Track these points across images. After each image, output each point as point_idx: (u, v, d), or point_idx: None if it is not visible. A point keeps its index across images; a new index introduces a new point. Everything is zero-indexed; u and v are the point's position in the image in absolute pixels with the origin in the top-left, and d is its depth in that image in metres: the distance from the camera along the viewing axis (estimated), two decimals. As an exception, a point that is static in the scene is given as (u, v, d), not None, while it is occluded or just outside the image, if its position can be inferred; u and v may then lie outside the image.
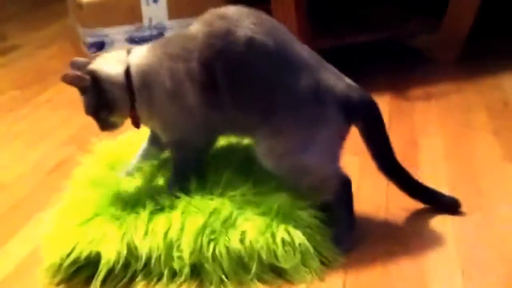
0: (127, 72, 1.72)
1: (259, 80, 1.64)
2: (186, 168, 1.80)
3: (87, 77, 1.71)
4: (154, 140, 1.94)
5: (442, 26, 3.06)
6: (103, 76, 1.72)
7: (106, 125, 1.80)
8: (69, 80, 1.72)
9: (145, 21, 3.17)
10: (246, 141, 1.96)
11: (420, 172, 2.01)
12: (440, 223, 1.84)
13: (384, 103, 2.64)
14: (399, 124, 2.46)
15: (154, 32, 3.18)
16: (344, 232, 1.75)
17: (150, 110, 1.75)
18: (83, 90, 1.74)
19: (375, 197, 1.98)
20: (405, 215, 1.88)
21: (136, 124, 1.82)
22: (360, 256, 1.71)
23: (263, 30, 1.64)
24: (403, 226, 1.84)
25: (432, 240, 1.76)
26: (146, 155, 1.96)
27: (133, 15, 3.14)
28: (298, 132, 1.65)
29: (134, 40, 3.17)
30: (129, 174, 1.91)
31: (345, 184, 1.75)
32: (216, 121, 1.72)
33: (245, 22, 1.64)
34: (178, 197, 1.75)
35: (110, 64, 1.74)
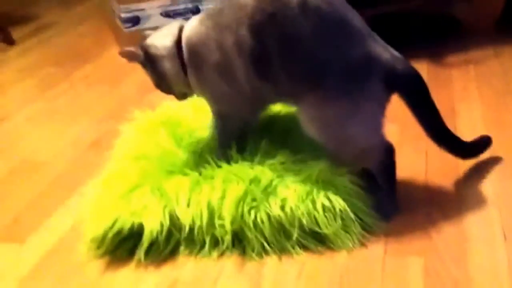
0: (178, 43, 1.74)
1: (311, 45, 1.60)
2: (229, 138, 1.82)
3: (140, 52, 1.75)
4: None
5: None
6: (153, 49, 1.76)
7: (178, 95, 1.86)
8: (123, 55, 1.77)
9: (181, -3, 3.16)
10: (285, 110, 1.97)
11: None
12: (480, 187, 1.83)
13: (422, 71, 2.55)
14: (437, 91, 2.38)
15: (189, 5, 3.17)
16: (386, 199, 1.75)
17: (199, 80, 1.76)
18: (143, 65, 1.79)
19: (414, 163, 1.98)
20: (444, 180, 1.88)
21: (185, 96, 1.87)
22: (401, 222, 1.71)
23: None
24: (443, 191, 1.83)
25: (473, 205, 1.76)
26: None
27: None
28: (344, 101, 1.62)
29: (169, 15, 3.16)
30: None
31: (388, 151, 1.74)
32: (263, 90, 1.70)
33: None
34: (219, 166, 1.76)
35: (162, 37, 1.77)
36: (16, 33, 3.82)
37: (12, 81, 3.13)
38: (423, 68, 2.63)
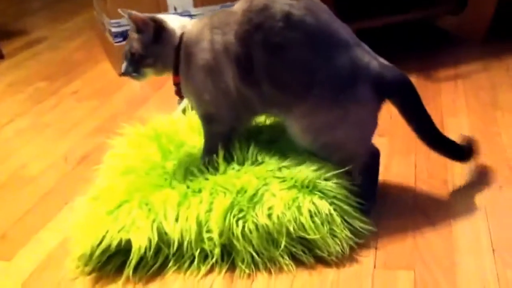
0: (181, 37, 1.78)
1: (296, 57, 1.63)
2: (215, 143, 1.83)
3: (152, 23, 1.77)
4: None
5: (468, 6, 3.02)
6: (169, 28, 1.79)
7: (134, 71, 1.83)
8: (133, 19, 1.77)
9: (170, 10, 3.16)
10: (271, 121, 1.98)
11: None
12: (468, 199, 1.85)
13: (411, 84, 2.63)
14: (426, 105, 2.39)
15: (179, 20, 3.19)
16: (367, 194, 1.77)
17: (187, 79, 1.79)
18: (139, 29, 1.79)
19: (403, 176, 1.99)
20: (433, 192, 1.89)
21: (179, 92, 1.86)
22: (390, 234, 1.72)
23: (301, 6, 1.63)
24: (432, 204, 1.84)
25: (461, 216, 1.77)
26: None
27: (158, 4, 3.14)
28: (334, 109, 1.65)
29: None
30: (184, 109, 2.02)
31: (374, 155, 1.80)
32: (249, 98, 1.72)
33: None
34: (207, 179, 1.77)
35: (175, 24, 1.81)
36: (6, 48, 3.81)
37: (2, 95, 3.11)
38: (412, 81, 2.63)
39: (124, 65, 1.83)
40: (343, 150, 1.74)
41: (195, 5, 3.19)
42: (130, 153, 1.97)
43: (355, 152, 1.75)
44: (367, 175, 1.80)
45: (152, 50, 1.79)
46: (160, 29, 1.78)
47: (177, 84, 1.84)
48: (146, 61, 1.80)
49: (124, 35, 3.13)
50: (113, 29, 3.12)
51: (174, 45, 1.78)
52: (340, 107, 1.65)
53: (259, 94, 1.70)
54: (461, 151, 1.88)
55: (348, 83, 1.64)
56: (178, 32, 1.79)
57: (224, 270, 1.64)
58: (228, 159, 1.82)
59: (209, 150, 1.84)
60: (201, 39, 1.74)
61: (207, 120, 1.83)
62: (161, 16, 1.81)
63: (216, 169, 1.80)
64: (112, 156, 2.01)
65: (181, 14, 3.13)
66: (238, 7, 1.71)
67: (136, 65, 1.81)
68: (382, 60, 1.70)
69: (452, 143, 1.84)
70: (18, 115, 2.82)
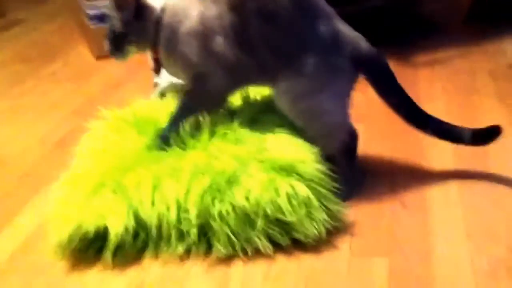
0: (162, 11, 1.79)
1: (287, 24, 1.69)
2: (206, 100, 1.85)
3: (132, 0, 1.77)
4: None
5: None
6: (148, 5, 1.79)
7: (117, 49, 1.83)
8: None
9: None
10: (253, 98, 1.99)
11: (424, 138, 2.02)
12: (444, 186, 1.86)
13: (389, 70, 2.64)
14: None
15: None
16: (345, 180, 1.78)
17: (170, 49, 1.79)
18: (120, 7, 1.79)
19: (380, 162, 2.00)
20: (409, 179, 1.90)
21: (158, 67, 1.87)
22: (366, 221, 1.73)
23: None
24: (408, 191, 1.85)
25: (437, 203, 1.79)
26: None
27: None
28: (317, 75, 1.71)
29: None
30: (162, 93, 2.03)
31: (352, 135, 1.84)
32: (243, 64, 1.75)
33: None
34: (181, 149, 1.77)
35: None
36: (-18, 30, 3.78)
37: (-22, 78, 3.09)
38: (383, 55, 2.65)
39: (107, 45, 1.83)
40: (323, 118, 1.77)
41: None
42: (107, 136, 1.94)
43: (333, 124, 1.79)
44: (345, 156, 1.82)
45: (133, 27, 1.79)
46: (140, 5, 1.78)
47: (155, 59, 1.85)
48: (128, 38, 1.80)
49: (100, 18, 3.11)
50: (90, 12, 3.11)
51: (156, 20, 1.78)
52: (322, 74, 1.71)
53: (254, 60, 1.73)
54: (438, 126, 1.85)
55: (331, 51, 1.71)
56: (158, 7, 1.79)
57: (201, 255, 1.64)
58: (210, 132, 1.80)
59: (188, 108, 1.84)
60: (189, 12, 1.76)
61: (199, 79, 1.81)
62: None
63: (197, 139, 1.79)
64: (88, 139, 1.98)
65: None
66: None
67: (118, 43, 1.81)
68: (356, 33, 1.77)
69: (429, 116, 1.84)
70: (-5, 97, 2.81)
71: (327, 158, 1.77)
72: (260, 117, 1.89)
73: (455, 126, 1.85)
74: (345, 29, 1.75)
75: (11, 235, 1.79)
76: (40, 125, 2.49)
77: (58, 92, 2.81)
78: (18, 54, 3.39)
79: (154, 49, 1.82)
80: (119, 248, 1.64)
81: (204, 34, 1.74)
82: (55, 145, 2.31)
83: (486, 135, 1.84)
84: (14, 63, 3.25)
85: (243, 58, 1.74)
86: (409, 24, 3.24)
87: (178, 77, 1.90)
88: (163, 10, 1.79)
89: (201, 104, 1.85)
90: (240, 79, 1.84)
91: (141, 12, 1.78)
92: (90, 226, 1.63)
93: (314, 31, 1.70)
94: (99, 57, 3.14)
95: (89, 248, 1.66)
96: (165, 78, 2.20)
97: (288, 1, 1.69)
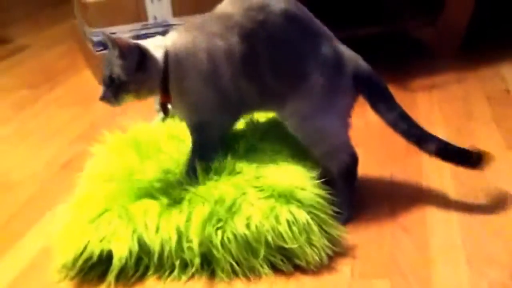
0: (166, 57, 1.78)
1: (294, 48, 1.75)
2: (207, 150, 1.84)
3: (137, 50, 1.74)
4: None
5: (442, 17, 3.07)
6: (151, 55, 1.76)
7: (114, 96, 1.79)
8: (118, 43, 1.73)
9: (150, 19, 3.21)
10: (249, 128, 2.02)
11: (423, 162, 2.05)
12: (444, 210, 1.87)
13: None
14: None
15: (159, 30, 3.22)
16: (344, 204, 1.83)
17: (181, 92, 1.80)
18: (123, 55, 1.74)
19: (379, 186, 2.03)
20: (409, 203, 1.91)
21: (165, 111, 1.88)
22: (367, 244, 1.75)
23: (292, 3, 1.78)
24: (408, 214, 1.87)
25: (437, 227, 1.80)
26: None
27: (138, 13, 3.17)
28: (323, 96, 1.76)
29: (140, 38, 3.19)
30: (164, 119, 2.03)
31: (353, 158, 1.86)
32: (250, 94, 1.79)
33: None
34: (185, 189, 1.77)
35: (154, 47, 1.78)
36: (-12, 56, 3.84)
37: (-15, 103, 3.14)
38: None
39: (103, 91, 1.80)
40: (328, 139, 1.81)
41: (174, 14, 3.24)
42: (111, 160, 1.97)
43: (338, 144, 1.83)
44: (345, 179, 1.85)
45: (135, 77, 1.76)
46: (144, 56, 1.75)
47: (163, 104, 1.86)
48: (129, 87, 1.77)
49: (104, 44, 3.15)
50: (94, 38, 3.15)
51: (159, 70, 1.77)
52: (327, 94, 1.76)
53: (260, 88, 1.77)
54: (437, 142, 1.84)
55: (335, 72, 1.77)
56: (160, 56, 1.77)
57: (203, 280, 1.66)
58: (207, 170, 1.82)
59: (201, 158, 1.82)
60: (195, 51, 1.77)
61: (201, 128, 1.84)
62: (143, 43, 1.80)
63: (197, 179, 1.80)
64: (93, 163, 2.02)
65: (161, 24, 3.19)
66: (231, 9, 1.78)
67: (116, 91, 1.78)
68: (354, 53, 1.83)
69: (426, 133, 1.84)
70: (1, 122, 2.86)
71: (326, 182, 1.80)
72: (258, 145, 1.91)
73: (455, 146, 1.83)
74: (345, 50, 1.81)
75: (18, 256, 1.82)
76: (46, 149, 2.53)
77: (63, 116, 2.86)
78: (24, 79, 3.45)
79: (164, 95, 1.82)
80: (122, 271, 1.66)
81: (213, 74, 1.76)
82: (60, 168, 2.34)
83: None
84: (20, 88, 3.30)
85: (251, 89, 1.78)
86: (406, 49, 3.29)
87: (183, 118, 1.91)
88: (166, 56, 1.77)
89: (209, 146, 1.85)
90: (244, 109, 1.88)
91: (145, 63, 1.75)
92: (95, 249, 1.65)
93: (318, 53, 1.75)
94: (103, 82, 3.20)
95: (93, 271, 1.68)
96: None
97: (296, 27, 1.75)
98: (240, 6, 1.76)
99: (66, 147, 2.53)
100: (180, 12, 3.23)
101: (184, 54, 1.78)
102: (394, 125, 1.82)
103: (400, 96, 2.52)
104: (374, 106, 1.83)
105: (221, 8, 1.81)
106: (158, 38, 1.84)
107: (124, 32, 3.17)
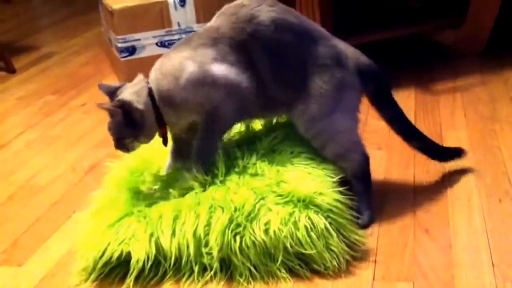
0: (150, 94, 1.78)
1: (292, 55, 1.76)
2: (213, 143, 1.82)
3: (119, 110, 1.75)
4: (177, 155, 1.96)
5: (466, 20, 3.06)
6: (134, 108, 1.76)
7: (125, 147, 1.83)
8: (103, 108, 1.78)
9: (174, 26, 3.24)
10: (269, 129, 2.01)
11: (447, 164, 2.04)
12: (467, 212, 1.86)
13: (410, 97, 2.68)
14: (425, 118, 2.49)
15: (183, 36, 3.25)
16: (363, 206, 1.83)
17: (179, 109, 1.79)
18: (113, 116, 1.79)
19: (401, 188, 2.02)
20: (432, 205, 1.91)
21: (166, 140, 1.88)
22: (389, 247, 1.74)
23: (280, 10, 1.78)
24: (431, 216, 1.86)
25: (461, 229, 1.79)
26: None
27: (162, 20, 3.21)
28: (327, 95, 1.77)
29: (164, 44, 3.23)
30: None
31: (365, 157, 1.86)
32: (253, 103, 1.79)
33: (262, 6, 1.76)
34: (204, 190, 1.77)
35: (136, 94, 1.78)
36: (17, 63, 3.91)
37: (13, 108, 3.20)
38: (410, 95, 2.70)
39: (114, 144, 1.84)
40: (338, 138, 1.82)
41: (198, 21, 3.27)
42: (132, 165, 1.97)
43: (349, 143, 1.83)
44: (361, 180, 1.84)
45: (128, 131, 1.79)
46: (128, 112, 1.76)
47: (163, 134, 1.86)
48: (126, 141, 1.80)
49: (130, 51, 3.20)
50: (119, 45, 3.19)
51: (149, 112, 1.78)
52: (332, 93, 1.77)
53: (265, 97, 1.78)
54: (434, 148, 1.95)
55: (336, 69, 1.77)
56: (144, 99, 1.78)
57: (222, 282, 1.66)
58: (229, 167, 1.82)
59: (207, 150, 1.82)
60: (182, 66, 1.76)
61: (210, 114, 1.79)
62: (127, 91, 1.80)
63: (214, 175, 1.80)
64: (115, 168, 2.02)
65: (185, 30, 3.22)
66: (218, 22, 1.79)
67: (121, 144, 1.82)
68: (355, 49, 1.84)
69: (426, 137, 1.92)
70: (28, 128, 2.90)
71: (347, 186, 1.79)
72: (278, 147, 1.90)
73: (439, 145, 1.99)
74: (345, 46, 1.82)
75: (43, 259, 1.84)
76: (71, 154, 2.57)
77: (88, 122, 2.90)
78: (51, 86, 3.50)
79: (161, 126, 1.83)
80: (141, 275, 1.67)
81: (205, 74, 1.74)
82: (85, 173, 2.37)
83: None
84: (46, 94, 3.35)
85: (252, 97, 1.77)
86: (430, 52, 3.28)
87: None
88: (150, 92, 1.78)
89: (215, 134, 1.83)
90: (249, 111, 1.85)
91: (132, 116, 1.77)
92: (114, 252, 1.67)
93: (316, 55, 1.76)
94: (128, 88, 3.24)
95: (113, 273, 1.70)
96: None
97: (289, 33, 1.75)
98: (225, 20, 1.77)
99: (91, 152, 2.56)
100: (204, 19, 3.26)
101: (172, 76, 1.77)
102: (389, 122, 1.88)
103: (423, 98, 2.53)
104: (373, 101, 1.87)
105: (208, 24, 1.82)
106: (140, 78, 1.83)
107: (148, 38, 3.21)
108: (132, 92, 1.79)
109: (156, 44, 3.24)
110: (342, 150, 1.83)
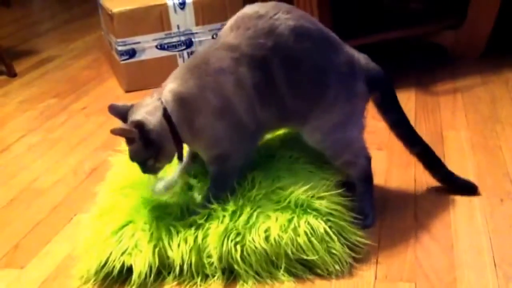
0: (165, 114, 1.67)
1: (312, 64, 1.69)
2: (227, 181, 1.78)
3: (135, 130, 1.65)
4: (194, 157, 1.93)
5: (466, 22, 3.06)
6: (150, 127, 1.66)
7: (150, 170, 1.75)
8: (117, 133, 1.67)
9: (174, 28, 3.24)
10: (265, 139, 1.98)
11: (448, 164, 2.04)
12: (469, 213, 1.86)
13: (410, 99, 2.69)
14: (426, 118, 2.49)
15: (183, 38, 3.26)
16: (367, 208, 1.83)
17: (194, 134, 1.72)
18: (129, 141, 1.69)
19: (403, 189, 2.02)
20: (433, 206, 1.91)
21: (181, 157, 1.79)
22: (391, 248, 1.74)
23: (297, 17, 1.70)
24: (432, 217, 1.85)
25: (462, 231, 1.78)
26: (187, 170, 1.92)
27: (162, 23, 3.21)
28: (342, 105, 1.74)
29: (164, 47, 3.24)
30: (166, 188, 1.85)
31: (368, 159, 1.86)
32: (269, 119, 1.74)
33: (279, 15, 1.68)
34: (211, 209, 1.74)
35: (151, 112, 1.68)
36: (18, 67, 3.91)
37: (15, 112, 3.20)
38: (411, 96, 2.71)
39: (141, 170, 1.76)
40: (350, 146, 1.80)
41: (197, 24, 3.27)
42: (133, 170, 1.91)
43: (358, 150, 1.82)
44: (364, 181, 1.84)
45: (148, 153, 1.69)
46: (145, 132, 1.66)
47: (179, 153, 1.77)
48: (148, 163, 1.71)
49: (130, 53, 3.21)
50: (119, 48, 3.20)
51: (166, 131, 1.68)
52: (346, 103, 1.74)
53: (281, 110, 1.72)
54: (432, 156, 1.92)
55: (349, 78, 1.74)
56: (158, 119, 1.67)
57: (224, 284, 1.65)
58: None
59: (221, 189, 1.77)
60: (201, 92, 1.68)
61: (221, 160, 1.77)
62: (139, 111, 1.70)
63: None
64: (113, 173, 2.03)
65: (184, 33, 3.23)
66: (234, 37, 1.70)
67: (146, 167, 1.73)
68: (363, 54, 1.81)
69: (426, 145, 1.90)
70: (29, 131, 2.90)
71: (345, 187, 1.80)
72: (276, 151, 1.90)
73: (438, 158, 1.93)
74: (355, 53, 1.78)
75: (44, 262, 1.84)
76: (72, 157, 2.56)
77: (88, 125, 2.90)
78: (51, 89, 3.50)
79: (179, 146, 1.75)
80: (142, 283, 1.66)
81: (225, 108, 1.68)
82: (86, 176, 2.37)
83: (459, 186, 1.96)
84: (47, 98, 3.35)
85: (270, 114, 1.72)
86: (429, 53, 3.29)
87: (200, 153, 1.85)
88: (166, 113, 1.67)
89: (232, 176, 1.79)
90: (263, 133, 1.83)
91: (148, 137, 1.66)
92: (116, 263, 1.65)
93: (334, 64, 1.71)
94: (128, 90, 3.27)
95: (114, 278, 1.68)
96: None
97: (309, 42, 1.68)
98: (243, 34, 1.68)
99: (92, 155, 2.56)
100: (203, 22, 3.27)
101: (190, 99, 1.68)
102: (392, 126, 1.86)
103: (424, 99, 2.54)
104: (378, 104, 1.84)
105: (223, 36, 1.73)
106: (153, 100, 1.71)
107: (148, 41, 3.22)
108: (143, 112, 1.69)
109: (156, 46, 3.25)
110: (352, 157, 1.81)
